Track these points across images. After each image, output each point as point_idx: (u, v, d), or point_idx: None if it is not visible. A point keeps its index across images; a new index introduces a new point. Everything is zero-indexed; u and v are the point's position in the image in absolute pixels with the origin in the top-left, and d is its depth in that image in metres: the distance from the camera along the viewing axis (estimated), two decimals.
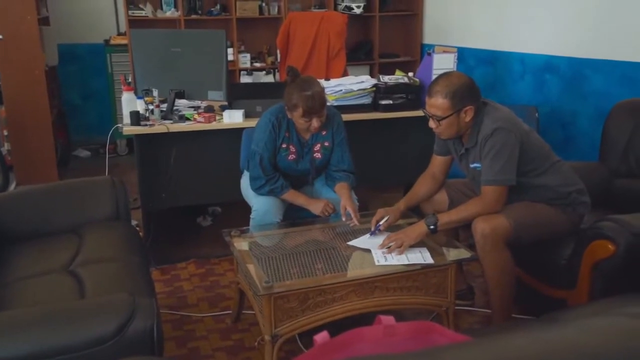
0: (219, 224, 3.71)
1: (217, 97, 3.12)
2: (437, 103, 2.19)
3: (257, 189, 2.61)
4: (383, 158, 3.44)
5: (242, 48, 5.10)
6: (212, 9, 4.92)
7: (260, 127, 2.62)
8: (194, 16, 4.87)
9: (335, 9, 5.07)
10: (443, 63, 3.29)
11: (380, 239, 2.27)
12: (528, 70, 3.93)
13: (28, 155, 4.57)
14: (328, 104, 2.77)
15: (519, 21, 4.01)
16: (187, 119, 3.11)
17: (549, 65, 3.74)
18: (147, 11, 4.76)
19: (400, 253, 2.18)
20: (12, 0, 4.27)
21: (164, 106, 3.17)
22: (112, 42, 5.27)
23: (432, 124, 2.24)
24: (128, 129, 2.96)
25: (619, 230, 1.96)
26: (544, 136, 2.45)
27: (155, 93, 3.11)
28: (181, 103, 3.33)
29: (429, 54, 3.27)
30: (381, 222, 2.36)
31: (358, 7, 5.04)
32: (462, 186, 2.55)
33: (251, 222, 2.60)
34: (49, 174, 4.65)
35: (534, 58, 3.86)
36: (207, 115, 3.07)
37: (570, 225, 2.30)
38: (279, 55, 4.68)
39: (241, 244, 2.38)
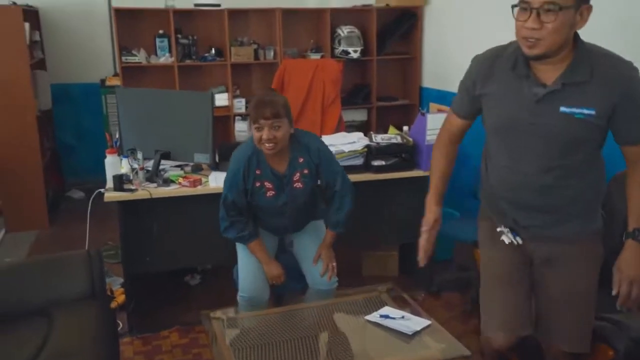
0: (208, 282, 3.60)
1: (203, 159, 3.04)
2: None
3: (224, 231, 2.55)
4: (376, 219, 3.33)
5: (237, 93, 5.03)
6: (207, 55, 4.86)
7: (228, 169, 2.52)
8: (188, 62, 4.81)
9: (332, 53, 4.99)
10: (437, 123, 3.16)
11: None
12: None
13: (18, 200, 4.51)
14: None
15: None
16: (172, 181, 3.01)
17: None
18: (140, 57, 4.70)
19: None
20: (5, 47, 4.24)
21: (150, 164, 3.08)
22: (108, 83, 5.23)
23: (532, 23, 1.53)
24: (110, 195, 2.86)
25: (618, 334, 1.83)
26: None
27: (139, 155, 3.02)
28: (168, 161, 3.24)
29: (423, 115, 3.17)
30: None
31: (355, 51, 4.97)
32: None
33: (239, 304, 2.56)
34: (39, 220, 4.59)
35: None
36: (192, 179, 2.97)
37: None
38: None
39: (221, 329, 2.27)
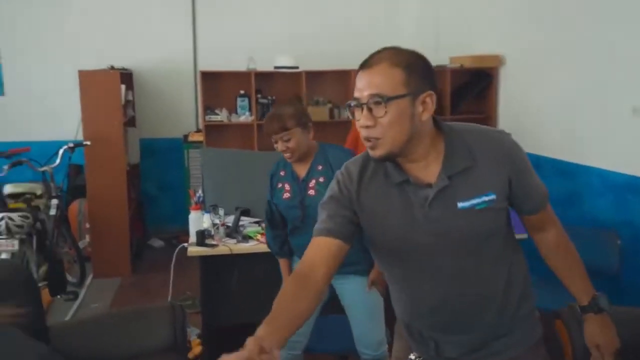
0: None
1: None
2: (381, 73, 1.29)
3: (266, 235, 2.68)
4: None
5: None
6: None
7: None
8: None
9: None
10: None
11: None
12: (608, 188, 3.71)
13: (105, 248, 4.79)
14: None
15: (598, 134, 3.84)
16: (250, 237, 3.14)
17: (632, 185, 3.51)
18: (222, 116, 4.99)
19: None
20: (103, 107, 4.62)
21: (230, 220, 3.22)
22: (191, 138, 5.55)
23: (365, 120, 1.30)
24: (193, 249, 3.02)
25: None
26: (626, 269, 2.06)
27: (221, 211, 3.18)
28: (247, 218, 3.38)
29: None
30: None
31: None
32: None
33: None
34: (123, 267, 4.84)
35: (615, 176, 3.64)
36: None
37: None
38: None
39: None
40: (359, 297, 2.50)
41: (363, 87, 1.30)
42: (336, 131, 5.29)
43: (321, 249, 1.40)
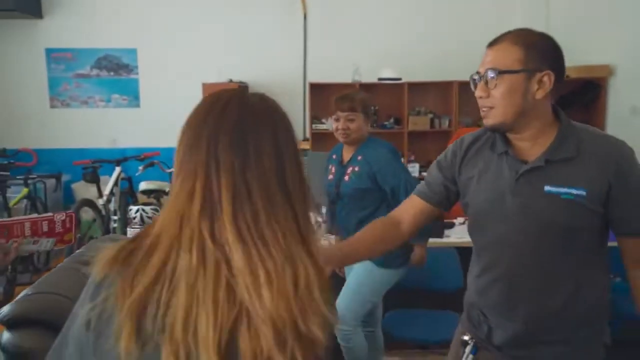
0: None
1: None
2: (501, 50, 1.41)
3: None
4: None
5: (412, 158, 5.38)
6: (386, 123, 5.32)
7: None
8: None
9: None
10: None
11: None
12: None
13: None
14: None
15: None
16: None
17: None
18: (328, 125, 5.31)
19: None
20: None
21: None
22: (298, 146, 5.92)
23: (479, 91, 1.43)
24: None
25: None
26: None
27: (323, 210, 3.45)
28: None
29: None
30: None
31: None
32: None
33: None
34: None
35: None
36: None
37: None
38: None
39: None
40: (355, 273, 2.67)
41: (485, 62, 1.43)
42: (437, 140, 5.43)
43: (414, 206, 1.61)
